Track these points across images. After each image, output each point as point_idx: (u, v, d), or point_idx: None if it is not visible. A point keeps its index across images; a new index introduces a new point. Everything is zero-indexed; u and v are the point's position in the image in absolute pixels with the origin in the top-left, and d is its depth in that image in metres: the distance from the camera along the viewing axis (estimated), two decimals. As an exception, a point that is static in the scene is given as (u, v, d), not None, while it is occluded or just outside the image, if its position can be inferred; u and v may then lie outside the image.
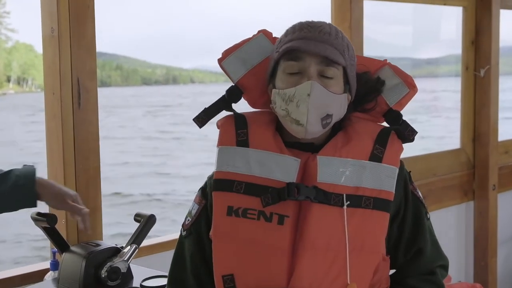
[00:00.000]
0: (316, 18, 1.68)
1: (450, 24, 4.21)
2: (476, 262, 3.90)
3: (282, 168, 1.57)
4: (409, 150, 1.86)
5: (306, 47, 1.55)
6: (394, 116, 1.66)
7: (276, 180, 1.56)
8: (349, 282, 1.52)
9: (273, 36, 1.73)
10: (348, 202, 1.54)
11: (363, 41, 3.14)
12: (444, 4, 3.69)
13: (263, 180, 1.57)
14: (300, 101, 1.53)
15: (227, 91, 1.69)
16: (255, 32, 1.75)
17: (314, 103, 1.53)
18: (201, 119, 1.68)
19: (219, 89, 1.81)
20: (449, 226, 3.80)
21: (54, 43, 2.18)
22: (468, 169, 3.87)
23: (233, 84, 1.70)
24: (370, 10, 3.21)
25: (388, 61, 1.73)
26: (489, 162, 3.81)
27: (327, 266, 1.52)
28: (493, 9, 3.74)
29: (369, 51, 3.24)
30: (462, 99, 3.86)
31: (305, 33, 1.57)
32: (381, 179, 1.57)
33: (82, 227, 1.93)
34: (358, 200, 1.55)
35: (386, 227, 1.58)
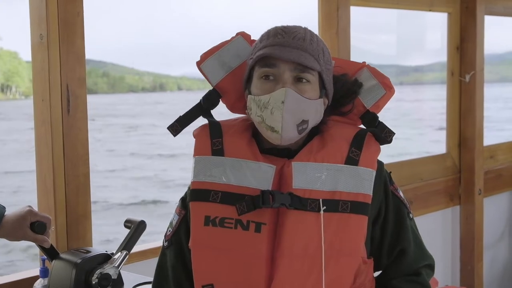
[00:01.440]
0: (303, 24, 1.69)
1: (435, 31, 4.24)
2: (463, 266, 3.92)
3: (258, 175, 1.58)
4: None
5: (280, 54, 1.54)
6: (370, 118, 1.66)
7: (252, 188, 1.57)
8: None
9: (252, 38, 1.73)
10: (325, 207, 1.54)
11: (350, 48, 3.16)
12: (430, 10, 3.72)
13: (239, 188, 1.58)
14: (274, 108, 1.54)
15: (204, 97, 1.69)
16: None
17: (288, 110, 1.53)
18: (175, 128, 1.68)
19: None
20: (436, 230, 3.82)
21: (43, 50, 2.17)
22: (454, 173, 3.89)
23: (211, 89, 1.70)
24: (356, 19, 3.23)
25: (366, 63, 1.73)
26: (475, 166, 3.84)
27: (305, 272, 1.53)
28: (477, 15, 3.78)
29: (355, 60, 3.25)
30: (447, 105, 3.89)
31: (279, 39, 1.57)
32: (358, 182, 1.57)
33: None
34: (335, 205, 1.55)
35: (365, 230, 1.58)
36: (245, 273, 1.54)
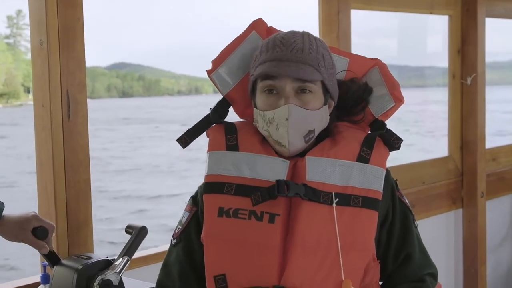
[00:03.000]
0: (304, 28, 1.67)
1: (436, 34, 4.23)
2: (466, 269, 3.91)
3: (272, 169, 1.60)
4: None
5: (279, 70, 1.56)
6: (379, 126, 1.69)
7: (266, 180, 1.59)
8: (343, 279, 1.53)
9: (269, 26, 1.72)
10: (337, 200, 1.56)
11: (351, 51, 3.15)
12: (430, 13, 3.71)
13: (254, 181, 1.60)
14: (279, 124, 1.56)
15: (213, 110, 1.70)
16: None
17: (293, 125, 1.56)
18: (184, 140, 1.70)
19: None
20: (438, 234, 3.81)
21: (43, 55, 2.17)
22: (456, 176, 3.88)
23: (220, 100, 1.71)
24: (356, 24, 3.22)
25: (378, 60, 1.73)
26: (477, 169, 3.83)
27: (317, 263, 1.54)
28: (478, 17, 3.77)
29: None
30: (449, 107, 3.88)
31: (277, 53, 1.57)
32: (369, 179, 1.60)
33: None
34: (347, 199, 1.57)
35: (375, 225, 1.60)
36: (258, 263, 1.56)
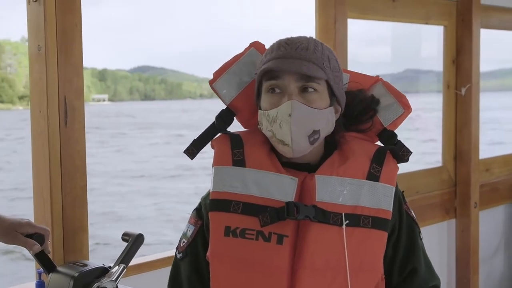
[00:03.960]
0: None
1: (432, 44, 4.24)
2: (459, 279, 3.91)
3: (280, 187, 1.56)
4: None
5: (282, 66, 1.54)
6: (388, 136, 1.66)
7: (274, 199, 1.55)
8: None
9: (266, 48, 1.72)
10: (347, 221, 1.53)
11: (347, 60, 3.15)
12: (426, 23, 3.72)
13: (261, 199, 1.56)
14: (282, 121, 1.53)
15: (217, 118, 1.68)
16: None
17: (296, 122, 1.52)
18: (191, 151, 1.67)
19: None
20: (431, 244, 3.81)
21: (40, 61, 2.16)
22: (449, 187, 3.88)
23: (224, 108, 1.69)
24: (352, 33, 3.22)
25: (380, 77, 1.73)
26: (470, 180, 3.83)
27: (326, 285, 1.52)
28: (473, 28, 3.78)
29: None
30: (443, 117, 3.89)
31: (282, 52, 1.56)
32: (379, 198, 1.57)
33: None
34: (357, 219, 1.54)
35: (384, 246, 1.58)
36: (265, 285, 1.53)
